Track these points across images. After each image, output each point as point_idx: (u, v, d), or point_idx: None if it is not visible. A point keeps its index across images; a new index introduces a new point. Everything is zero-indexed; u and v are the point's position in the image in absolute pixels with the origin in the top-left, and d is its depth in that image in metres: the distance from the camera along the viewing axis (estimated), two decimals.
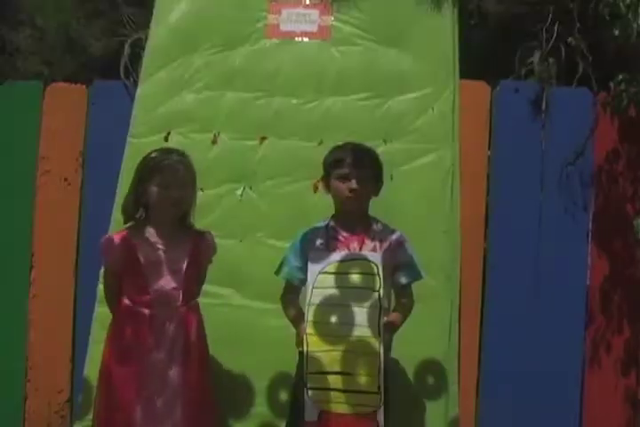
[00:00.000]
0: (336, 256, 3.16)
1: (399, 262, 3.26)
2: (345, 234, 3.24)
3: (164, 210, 3.27)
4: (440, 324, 3.61)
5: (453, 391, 3.59)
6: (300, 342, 3.18)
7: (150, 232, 3.28)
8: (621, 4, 3.84)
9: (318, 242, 3.23)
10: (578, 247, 4.09)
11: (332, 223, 3.27)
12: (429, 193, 3.76)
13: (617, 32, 3.89)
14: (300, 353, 3.20)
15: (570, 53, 4.26)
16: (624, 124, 4.15)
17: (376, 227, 3.28)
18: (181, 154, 3.33)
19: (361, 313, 3.10)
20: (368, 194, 3.28)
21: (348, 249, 3.20)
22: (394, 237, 3.28)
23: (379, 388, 3.05)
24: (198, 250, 3.32)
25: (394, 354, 3.30)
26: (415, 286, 3.30)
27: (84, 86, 4.32)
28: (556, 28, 4.25)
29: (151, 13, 4.11)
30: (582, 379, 4.04)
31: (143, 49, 4.15)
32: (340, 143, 3.40)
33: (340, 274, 3.13)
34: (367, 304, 3.11)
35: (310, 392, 3.03)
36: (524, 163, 4.08)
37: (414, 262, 3.29)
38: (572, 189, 4.08)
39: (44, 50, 5.02)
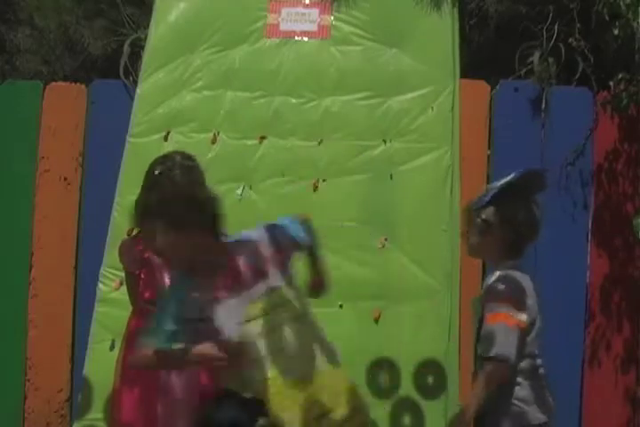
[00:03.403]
0: (243, 299, 2.50)
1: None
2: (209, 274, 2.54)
3: None
4: (440, 323, 3.61)
5: (453, 390, 3.59)
6: None
7: None
8: (621, 4, 3.85)
9: (193, 293, 2.51)
10: (578, 246, 4.09)
11: (184, 276, 2.57)
12: (429, 192, 3.77)
13: (617, 32, 3.90)
14: None
15: (570, 53, 4.26)
16: (624, 123, 4.15)
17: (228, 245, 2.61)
18: (187, 157, 3.21)
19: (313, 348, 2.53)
20: None
21: (228, 287, 2.51)
22: (247, 247, 2.62)
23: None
24: None
25: (394, 353, 3.29)
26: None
27: (83, 86, 4.32)
28: (556, 28, 4.26)
29: (151, 13, 4.11)
30: (582, 377, 4.05)
31: (143, 48, 4.15)
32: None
33: (261, 315, 2.51)
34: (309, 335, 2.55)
35: None
36: (524, 162, 4.06)
37: None
38: (571, 189, 4.08)
39: (43, 49, 5.02)
